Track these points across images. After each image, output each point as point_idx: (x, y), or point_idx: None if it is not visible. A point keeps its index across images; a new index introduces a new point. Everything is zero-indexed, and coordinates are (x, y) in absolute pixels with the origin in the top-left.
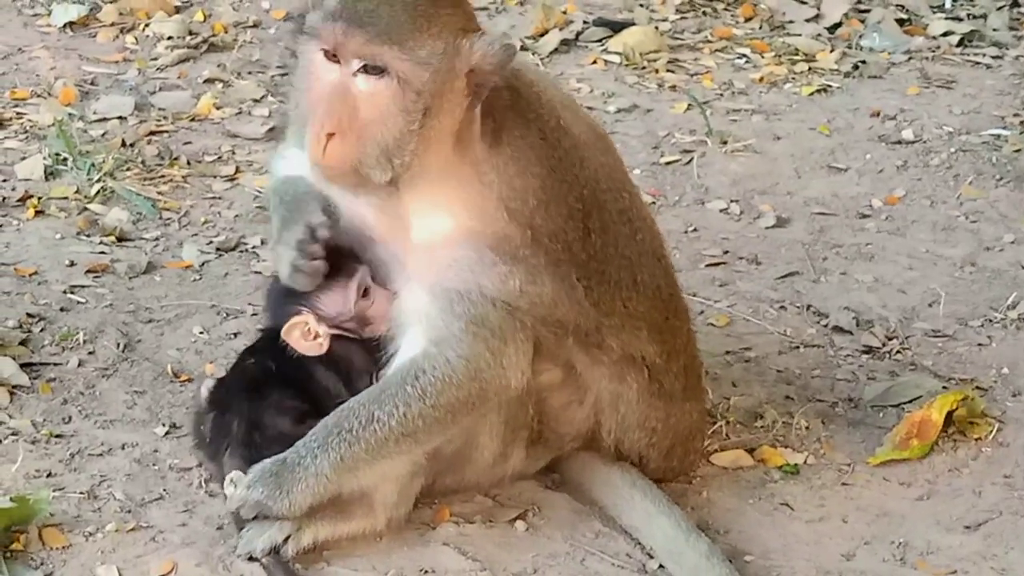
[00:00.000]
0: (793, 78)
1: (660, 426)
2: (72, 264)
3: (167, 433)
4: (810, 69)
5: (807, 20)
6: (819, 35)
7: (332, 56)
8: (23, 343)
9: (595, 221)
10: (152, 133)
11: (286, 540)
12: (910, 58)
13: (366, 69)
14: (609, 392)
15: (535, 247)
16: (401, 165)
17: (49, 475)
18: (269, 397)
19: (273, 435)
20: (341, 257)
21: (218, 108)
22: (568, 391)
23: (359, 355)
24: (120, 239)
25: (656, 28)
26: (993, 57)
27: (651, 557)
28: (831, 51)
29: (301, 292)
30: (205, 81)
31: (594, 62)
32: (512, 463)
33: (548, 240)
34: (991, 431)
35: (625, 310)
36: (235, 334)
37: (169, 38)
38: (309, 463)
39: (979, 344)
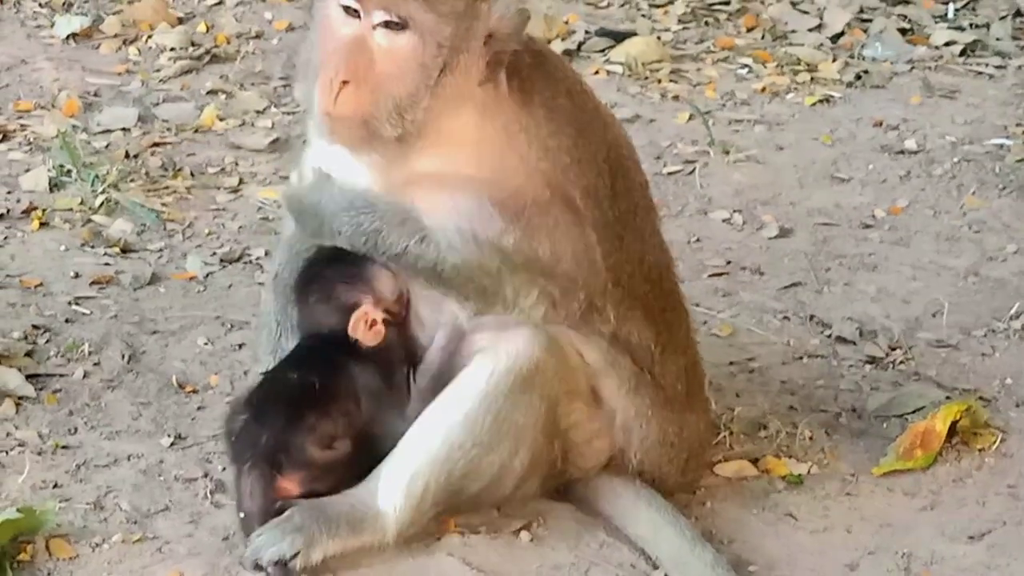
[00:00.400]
0: (795, 88)
1: (676, 440)
2: (77, 276)
3: (172, 444)
4: (812, 79)
5: (809, 30)
6: (821, 45)
7: (352, 11)
8: (28, 354)
9: (620, 184)
10: (156, 144)
11: (295, 555)
12: (913, 68)
13: (387, 24)
14: (626, 409)
15: (549, 204)
16: (412, 122)
17: (55, 486)
18: (306, 419)
19: (300, 460)
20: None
21: (221, 119)
22: (593, 424)
23: (396, 347)
24: (124, 250)
25: (658, 38)
26: (996, 67)
27: (656, 568)
28: (833, 61)
29: (355, 279)
30: (208, 92)
31: (596, 72)
32: (524, 491)
33: (580, 196)
34: (995, 441)
35: (628, 284)
36: (240, 345)
37: (172, 49)
38: None
39: (982, 354)
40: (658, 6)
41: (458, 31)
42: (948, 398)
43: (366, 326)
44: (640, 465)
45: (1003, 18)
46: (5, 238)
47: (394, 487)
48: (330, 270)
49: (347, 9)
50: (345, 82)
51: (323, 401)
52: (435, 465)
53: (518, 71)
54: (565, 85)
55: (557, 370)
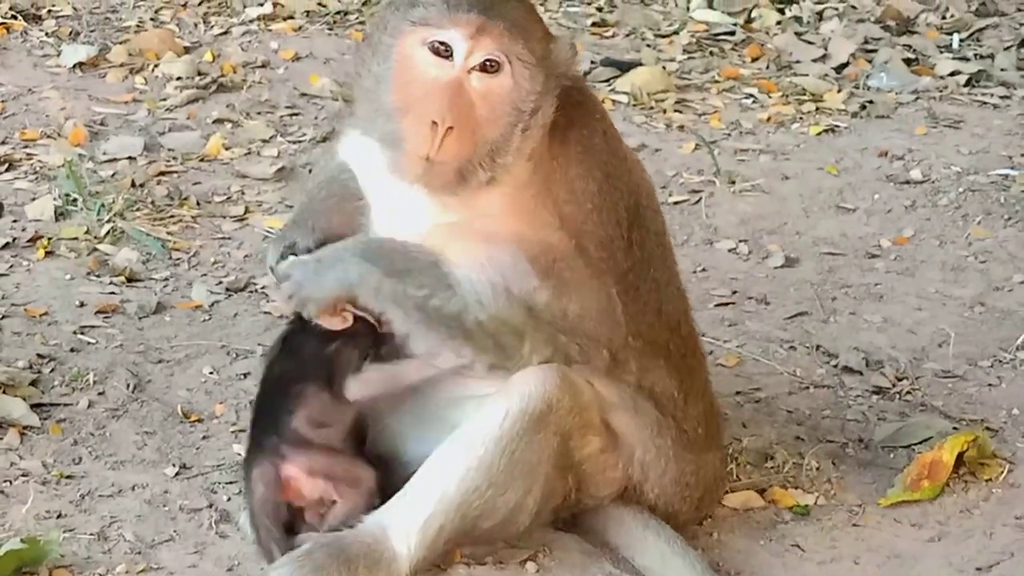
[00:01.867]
0: (801, 118)
1: (692, 480)
2: (82, 305)
3: (177, 474)
4: (817, 109)
5: (814, 60)
6: (826, 75)
7: (444, 53)
8: (33, 384)
9: (636, 234)
10: (162, 173)
11: None
12: (917, 98)
13: (483, 66)
14: (645, 447)
15: (575, 258)
16: (503, 165)
17: (59, 516)
18: (285, 401)
19: (294, 440)
20: None
21: (227, 148)
22: (606, 455)
23: (365, 332)
24: (130, 279)
25: (663, 68)
26: (1001, 97)
27: None
28: (838, 91)
29: None
30: (214, 121)
31: (602, 102)
32: (536, 523)
33: (595, 248)
34: (1002, 472)
35: (648, 335)
36: (245, 374)
37: (178, 78)
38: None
39: (989, 385)
40: (663, 36)
41: (546, 75)
42: (955, 429)
43: (331, 316)
44: (655, 501)
45: (1008, 48)
46: (11, 267)
47: (409, 528)
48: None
49: (437, 51)
50: (450, 128)
51: (293, 382)
52: (450, 507)
53: (563, 106)
54: (602, 126)
55: (571, 407)
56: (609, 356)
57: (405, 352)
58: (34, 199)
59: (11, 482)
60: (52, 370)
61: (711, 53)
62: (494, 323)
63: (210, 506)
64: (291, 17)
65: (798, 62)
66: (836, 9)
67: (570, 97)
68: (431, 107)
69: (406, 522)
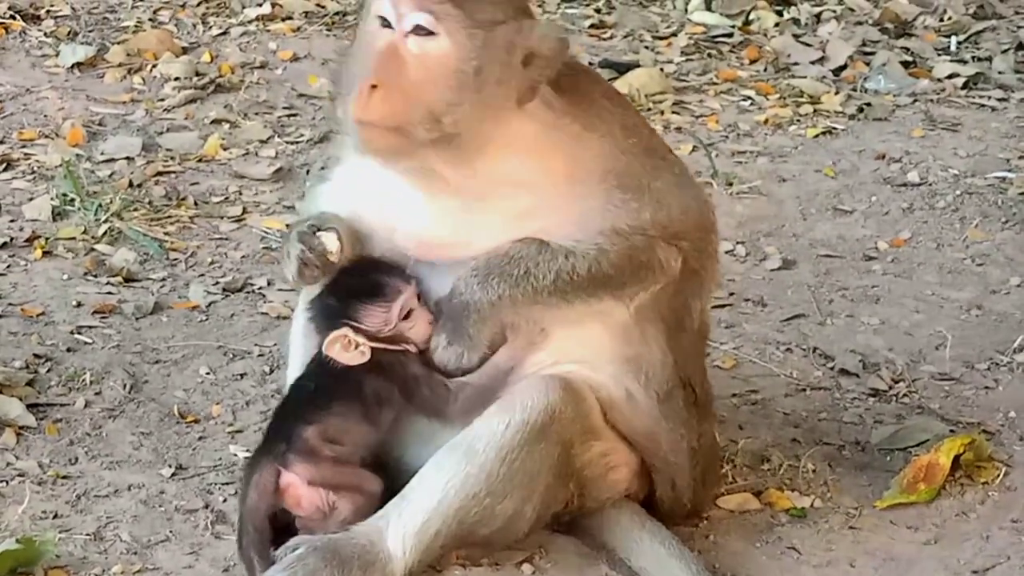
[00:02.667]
0: (798, 120)
1: (697, 446)
2: (79, 305)
3: (173, 474)
4: (815, 111)
5: (812, 62)
6: (824, 77)
7: (387, 23)
8: (30, 384)
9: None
10: (159, 174)
11: None
12: (915, 100)
13: (417, 30)
14: (655, 413)
15: (656, 168)
16: (451, 125)
17: (55, 516)
18: (307, 413)
19: (302, 448)
20: (388, 274)
21: (225, 149)
22: (608, 458)
23: (413, 361)
24: (127, 280)
25: (661, 70)
26: (998, 100)
27: None
28: (836, 93)
29: (341, 308)
30: (212, 122)
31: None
32: (533, 529)
33: (668, 152)
34: (998, 475)
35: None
36: (242, 375)
37: (176, 79)
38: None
39: (986, 387)
40: (661, 38)
41: (494, 41)
42: (952, 431)
43: (345, 347)
44: (672, 475)
45: (1005, 51)
46: (8, 267)
47: (406, 532)
48: (328, 295)
49: (383, 21)
50: (374, 86)
51: (323, 399)
52: (448, 513)
53: (585, 86)
54: (621, 98)
55: (573, 416)
56: (713, 248)
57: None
58: (32, 199)
59: (7, 482)
60: (49, 370)
61: (709, 55)
62: (622, 257)
63: (206, 507)
64: (289, 18)
65: (796, 64)
66: (834, 12)
67: (589, 77)
68: (365, 69)
69: (403, 525)
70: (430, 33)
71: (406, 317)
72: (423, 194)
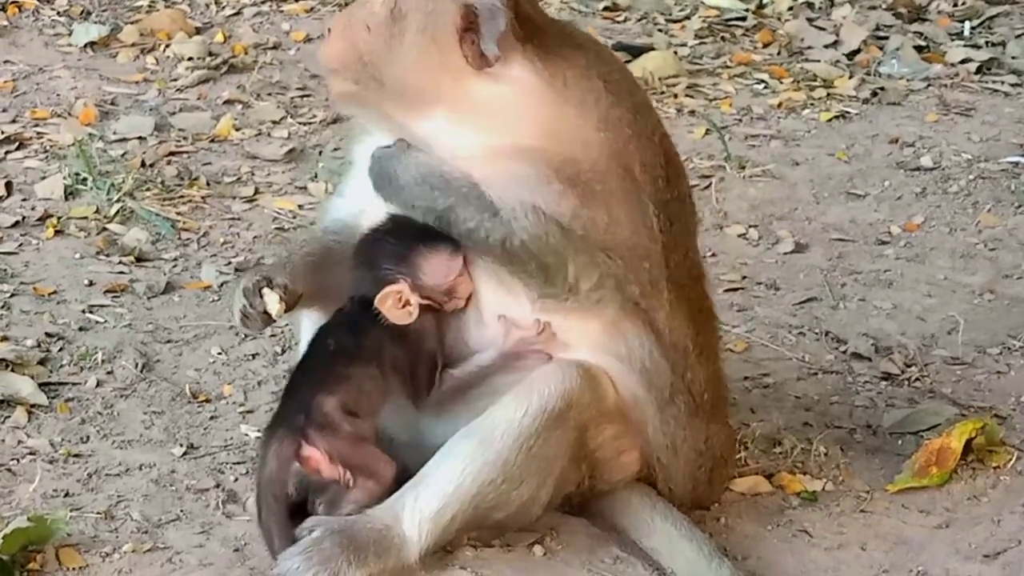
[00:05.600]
0: (811, 104)
1: (704, 448)
2: (91, 284)
3: (184, 454)
4: (828, 95)
5: (826, 46)
6: (838, 61)
7: None
8: (41, 363)
9: (671, 169)
10: (172, 154)
11: None
12: (929, 85)
13: None
14: (658, 419)
15: (606, 171)
16: (391, 76)
17: (66, 495)
18: (327, 379)
19: (320, 421)
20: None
21: (237, 129)
22: (620, 440)
23: (431, 336)
24: (139, 259)
25: (675, 53)
26: (1012, 85)
27: None
28: (850, 77)
29: (401, 257)
30: (225, 102)
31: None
32: (546, 511)
33: (639, 169)
34: (1010, 459)
35: (676, 273)
36: (253, 355)
37: (189, 59)
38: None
39: (998, 372)
40: (675, 21)
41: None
42: (963, 415)
43: (396, 303)
44: (668, 476)
45: (1019, 36)
46: (20, 245)
47: (422, 517)
48: (384, 241)
49: None
50: (329, 30)
51: (343, 362)
52: (464, 499)
53: (573, 53)
54: (617, 66)
55: (590, 400)
56: (648, 276)
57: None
58: (44, 178)
59: (18, 460)
60: (60, 349)
61: (723, 38)
62: (535, 243)
63: (217, 486)
64: None
65: (810, 48)
66: None
67: (584, 45)
68: None
69: (419, 511)
70: None
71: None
72: None
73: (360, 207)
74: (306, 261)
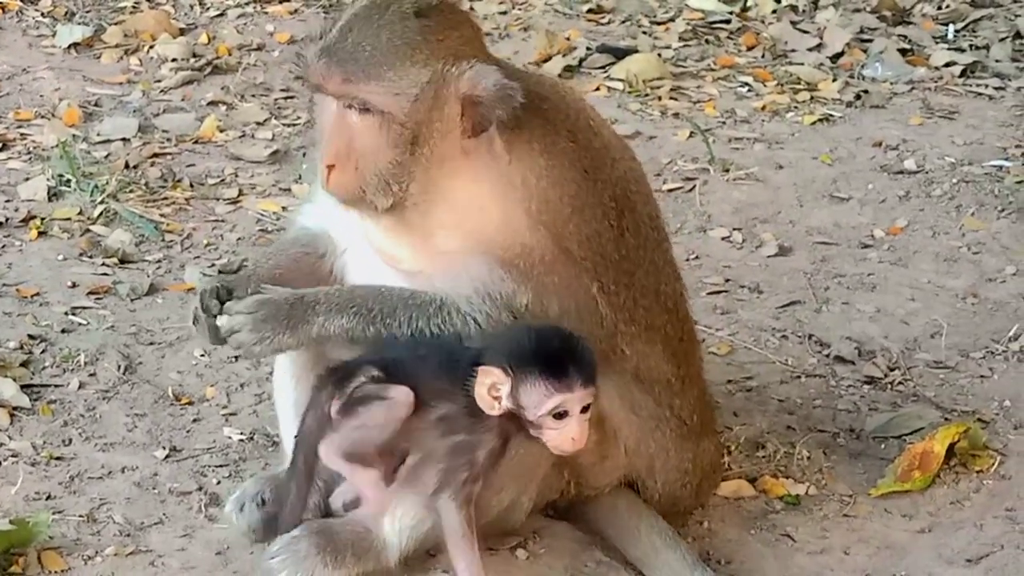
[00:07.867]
0: (795, 107)
1: (691, 467)
2: (74, 286)
3: (167, 456)
4: (812, 98)
5: (809, 49)
6: (821, 64)
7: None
8: (24, 364)
9: (628, 221)
10: (155, 155)
11: None
12: (912, 88)
13: (351, 106)
14: (644, 444)
15: (554, 260)
16: (400, 190)
17: (48, 497)
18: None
19: (352, 393)
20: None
21: (221, 131)
22: (602, 447)
23: (489, 444)
24: (122, 261)
25: (659, 55)
26: (995, 88)
27: None
28: (833, 80)
29: (520, 360)
30: (209, 103)
31: (597, 89)
32: (529, 516)
33: (578, 247)
34: (993, 464)
35: (646, 318)
36: (235, 358)
37: (173, 60)
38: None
39: (981, 376)
40: (659, 23)
41: (423, 102)
42: (946, 420)
43: (488, 390)
44: (656, 491)
45: (1003, 40)
46: (3, 247)
47: (403, 520)
48: (529, 339)
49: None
50: (331, 166)
51: (420, 371)
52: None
53: (516, 123)
54: (567, 126)
55: None
56: (608, 344)
57: None
58: (27, 179)
59: (1, 463)
60: (43, 351)
61: (707, 41)
62: (488, 329)
63: (200, 489)
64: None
65: (794, 51)
66: None
67: (528, 106)
68: (321, 144)
69: (400, 514)
70: (363, 109)
71: (559, 416)
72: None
73: (329, 215)
74: (272, 274)
